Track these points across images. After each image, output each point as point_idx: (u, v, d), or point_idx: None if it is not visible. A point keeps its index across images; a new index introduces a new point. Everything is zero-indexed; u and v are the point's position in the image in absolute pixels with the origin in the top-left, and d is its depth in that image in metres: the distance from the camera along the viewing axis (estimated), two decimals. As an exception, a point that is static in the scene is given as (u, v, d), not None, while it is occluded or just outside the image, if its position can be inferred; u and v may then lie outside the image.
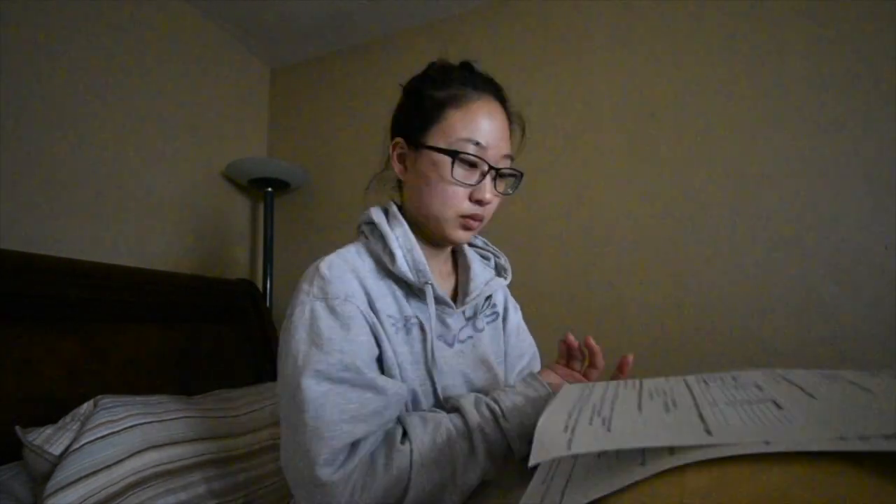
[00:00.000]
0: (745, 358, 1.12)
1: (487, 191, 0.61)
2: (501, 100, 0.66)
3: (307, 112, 1.81)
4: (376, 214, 0.66)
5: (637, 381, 0.46)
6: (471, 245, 0.77)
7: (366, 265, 0.63)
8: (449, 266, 0.73)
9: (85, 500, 0.67)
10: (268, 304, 1.56)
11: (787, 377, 0.39)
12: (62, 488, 0.67)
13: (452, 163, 0.59)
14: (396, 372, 0.59)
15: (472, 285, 0.69)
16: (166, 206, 1.43)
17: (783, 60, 1.17)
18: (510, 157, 0.65)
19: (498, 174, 0.63)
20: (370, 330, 0.57)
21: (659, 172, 1.27)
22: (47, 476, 0.69)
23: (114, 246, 1.26)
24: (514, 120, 0.68)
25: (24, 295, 0.90)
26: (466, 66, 0.66)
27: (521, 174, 0.67)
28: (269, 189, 1.60)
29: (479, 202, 0.61)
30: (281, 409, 0.55)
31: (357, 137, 1.68)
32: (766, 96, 1.18)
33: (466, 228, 0.63)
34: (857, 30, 1.11)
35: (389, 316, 0.61)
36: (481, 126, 0.60)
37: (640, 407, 0.37)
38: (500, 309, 0.78)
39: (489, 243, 0.78)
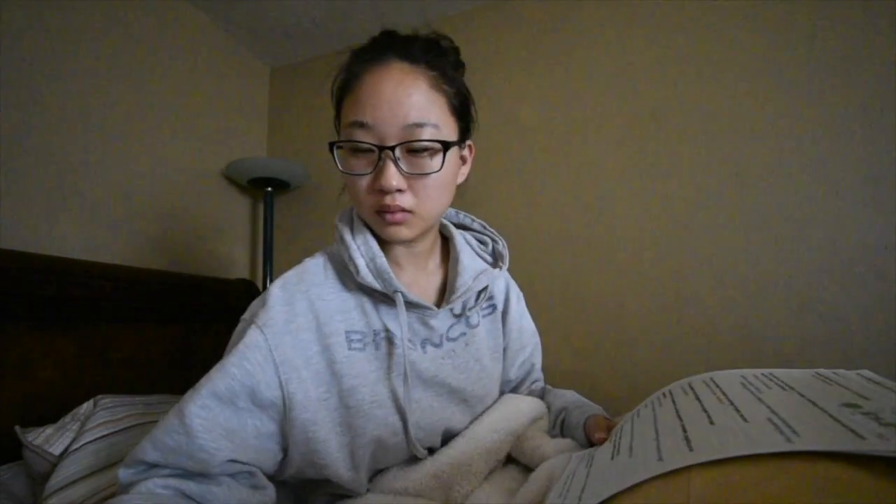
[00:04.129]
0: (746, 358, 1.12)
1: (384, 176, 0.51)
2: (410, 59, 0.53)
3: (307, 112, 1.81)
4: (339, 221, 0.62)
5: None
6: (467, 228, 0.72)
7: (329, 279, 0.59)
8: (436, 260, 0.67)
9: (85, 500, 0.67)
10: (268, 303, 1.56)
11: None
12: (62, 488, 0.67)
13: (335, 155, 0.53)
14: (345, 401, 0.54)
15: (460, 281, 0.62)
16: (166, 206, 1.43)
17: (783, 60, 1.17)
18: (420, 126, 0.51)
19: (406, 151, 0.52)
20: (274, 367, 0.50)
21: (658, 172, 1.27)
22: (47, 476, 0.69)
23: (114, 246, 1.26)
24: (439, 81, 0.54)
25: (24, 295, 0.90)
26: (367, 43, 0.58)
27: (444, 144, 0.53)
28: (269, 189, 1.60)
29: (382, 191, 0.52)
30: None
31: (357, 137, 1.68)
32: (766, 96, 1.18)
33: (392, 223, 0.54)
34: (857, 29, 1.11)
35: (353, 332, 0.56)
36: (366, 103, 0.51)
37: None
38: (498, 301, 0.72)
39: (487, 226, 0.72)
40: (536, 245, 1.39)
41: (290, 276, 0.58)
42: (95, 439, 0.74)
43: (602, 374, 1.26)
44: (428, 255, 0.65)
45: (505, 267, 0.68)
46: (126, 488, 0.48)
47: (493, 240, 0.71)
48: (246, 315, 0.55)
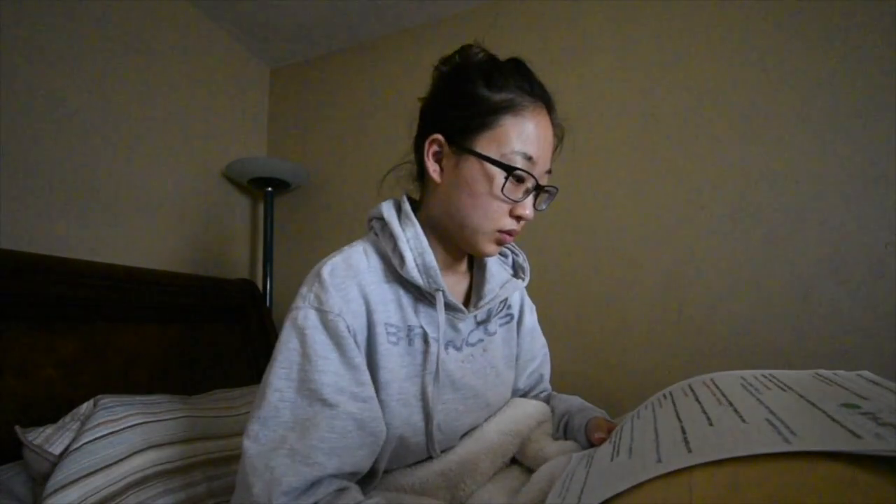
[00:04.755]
0: (745, 358, 1.12)
1: (529, 207, 0.59)
2: (551, 109, 0.62)
3: (307, 112, 1.81)
4: (387, 211, 0.62)
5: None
6: None
7: (372, 268, 0.59)
8: (464, 265, 0.69)
9: (85, 499, 0.67)
10: (268, 303, 1.56)
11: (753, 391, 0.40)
12: (62, 488, 0.67)
13: (506, 178, 0.56)
14: (378, 394, 0.55)
15: (487, 287, 0.65)
16: (166, 206, 1.43)
17: (783, 60, 1.17)
18: (549, 172, 0.61)
19: (539, 190, 0.60)
20: (357, 350, 0.54)
21: (658, 172, 1.27)
22: (47, 476, 0.69)
23: (114, 246, 1.26)
24: (557, 133, 0.64)
25: (24, 295, 0.90)
26: (522, 68, 0.61)
27: (556, 190, 0.64)
28: (269, 189, 1.60)
29: (520, 218, 0.59)
30: (255, 410, 0.50)
31: (357, 137, 1.68)
32: (766, 96, 1.18)
33: (500, 243, 0.60)
34: (856, 30, 1.11)
35: (390, 325, 0.57)
36: (535, 138, 0.57)
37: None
38: (515, 311, 0.75)
39: None
40: (535, 245, 1.39)
41: (336, 261, 0.58)
42: (95, 439, 0.74)
43: (601, 375, 1.26)
44: (462, 260, 0.68)
45: (527, 279, 0.70)
46: None
47: (513, 252, 0.74)
48: (301, 304, 0.54)
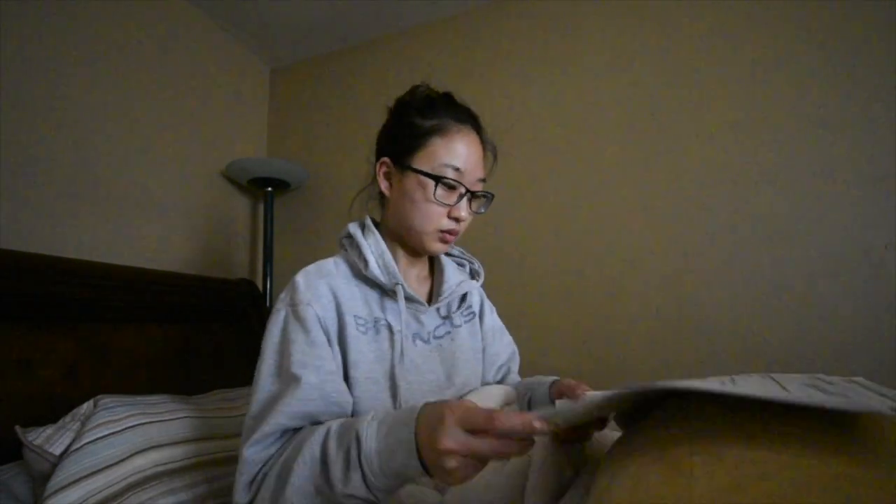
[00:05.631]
0: (745, 358, 1.12)
1: (463, 210, 0.70)
2: (478, 129, 0.73)
3: (307, 112, 1.81)
4: (353, 228, 0.74)
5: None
6: (448, 255, 0.85)
7: (340, 272, 0.70)
8: (426, 272, 0.81)
9: (85, 499, 0.67)
10: (268, 304, 1.56)
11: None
12: (63, 488, 0.67)
13: (436, 185, 0.67)
14: (348, 372, 0.64)
15: (445, 286, 0.76)
16: (166, 206, 1.43)
17: (783, 60, 1.17)
18: (483, 181, 0.72)
19: (473, 195, 0.71)
20: (324, 332, 0.63)
21: (659, 172, 1.27)
22: (47, 476, 0.69)
23: (114, 246, 1.26)
24: (488, 148, 0.75)
25: (24, 295, 0.90)
26: (448, 99, 0.73)
27: (492, 196, 0.75)
28: (269, 189, 1.60)
29: (457, 219, 0.70)
30: (250, 397, 0.61)
31: (357, 137, 1.68)
32: (766, 96, 1.18)
33: (443, 241, 0.71)
34: (857, 30, 1.11)
35: (358, 317, 0.67)
36: (460, 153, 0.68)
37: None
38: (476, 309, 0.86)
39: (465, 252, 0.87)
40: (535, 245, 1.39)
41: (309, 269, 0.70)
42: (96, 439, 0.74)
43: (601, 375, 1.26)
44: (423, 266, 0.80)
45: (481, 281, 0.83)
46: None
47: (469, 262, 0.86)
48: (279, 305, 0.65)
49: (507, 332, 0.92)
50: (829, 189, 1.11)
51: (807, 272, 1.10)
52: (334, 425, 0.53)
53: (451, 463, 0.41)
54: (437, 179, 0.67)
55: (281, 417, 0.56)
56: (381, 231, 0.76)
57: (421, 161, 0.68)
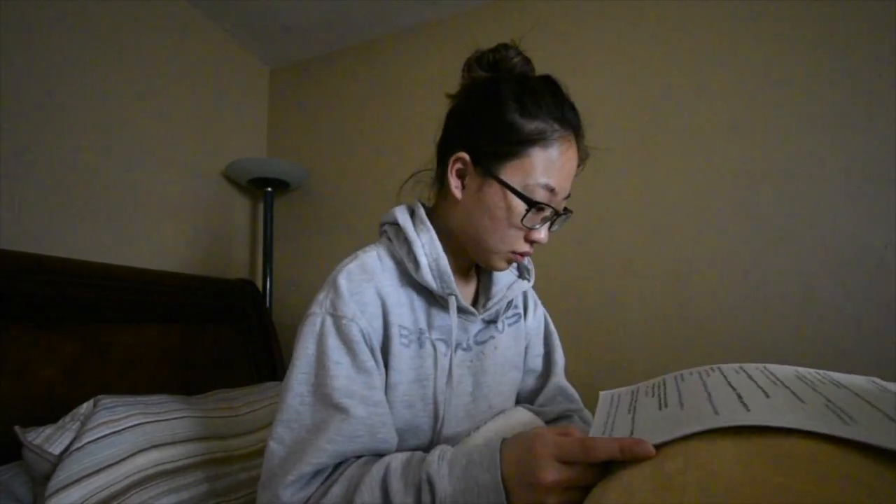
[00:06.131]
0: (746, 358, 1.12)
1: (544, 232, 0.61)
2: (579, 136, 0.61)
3: (307, 112, 1.81)
4: (402, 216, 0.62)
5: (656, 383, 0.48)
6: None
7: (386, 271, 0.60)
8: (473, 270, 0.71)
9: (86, 499, 0.67)
10: (267, 303, 1.56)
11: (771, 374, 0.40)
12: (63, 488, 0.67)
13: (527, 210, 0.56)
14: (385, 392, 0.57)
15: (495, 289, 0.67)
16: (166, 206, 1.42)
17: (783, 60, 1.17)
18: (568, 196, 0.62)
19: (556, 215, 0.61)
20: (371, 354, 0.55)
21: (659, 172, 1.27)
22: (47, 476, 0.69)
23: (114, 246, 1.26)
24: (583, 157, 0.63)
25: (24, 295, 0.90)
26: (554, 90, 0.60)
27: (571, 213, 0.65)
28: (269, 189, 1.60)
29: (532, 242, 0.61)
30: (278, 413, 0.53)
31: (357, 137, 1.68)
32: (766, 96, 1.18)
33: (510, 262, 0.63)
34: (857, 30, 1.11)
35: (403, 327, 0.58)
36: (559, 169, 0.57)
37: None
38: (521, 310, 0.76)
39: None
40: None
41: (351, 267, 0.59)
42: (96, 439, 0.74)
43: (601, 375, 1.26)
44: (470, 263, 0.69)
45: (532, 280, 0.72)
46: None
47: None
48: (317, 309, 0.56)
49: (554, 330, 0.81)
50: (829, 189, 1.11)
51: (807, 272, 1.10)
52: (394, 462, 0.48)
53: (552, 499, 0.39)
54: (532, 205, 0.56)
55: (323, 456, 0.49)
56: (434, 223, 0.63)
57: (513, 173, 0.56)
